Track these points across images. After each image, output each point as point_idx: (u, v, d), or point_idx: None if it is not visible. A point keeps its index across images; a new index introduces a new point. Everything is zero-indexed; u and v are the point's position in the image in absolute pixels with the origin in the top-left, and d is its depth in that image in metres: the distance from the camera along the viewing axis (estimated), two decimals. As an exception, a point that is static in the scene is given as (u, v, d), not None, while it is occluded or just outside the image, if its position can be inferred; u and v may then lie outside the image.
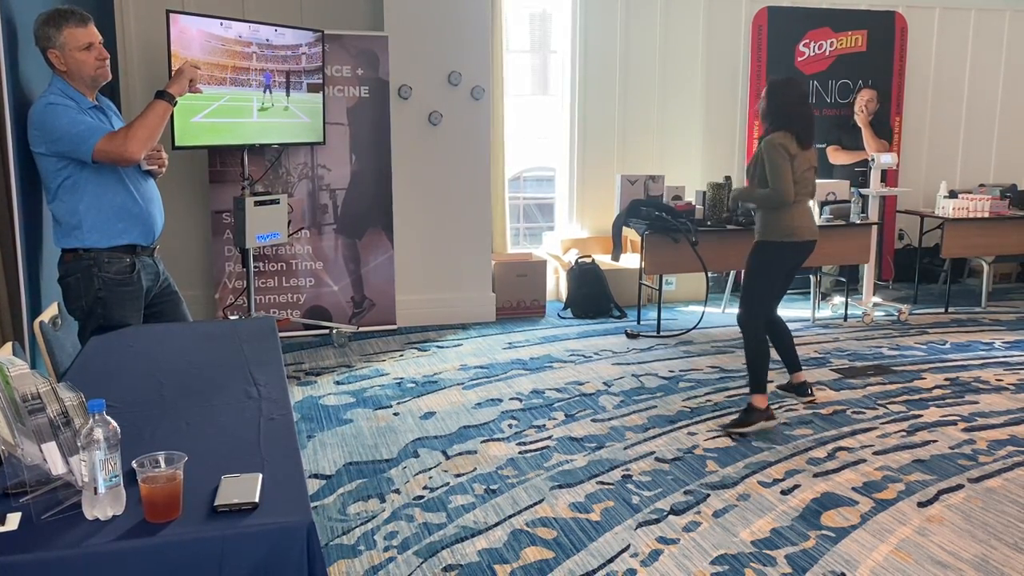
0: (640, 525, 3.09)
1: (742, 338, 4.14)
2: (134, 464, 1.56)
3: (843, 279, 6.44)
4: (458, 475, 3.51)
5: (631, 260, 6.42)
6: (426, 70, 5.73)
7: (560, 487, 3.39)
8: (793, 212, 4.00)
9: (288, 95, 5.09)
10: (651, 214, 5.60)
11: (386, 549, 2.91)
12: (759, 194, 4.04)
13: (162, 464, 1.57)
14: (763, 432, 3.95)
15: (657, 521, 3.12)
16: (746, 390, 4.56)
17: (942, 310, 6.42)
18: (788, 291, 6.84)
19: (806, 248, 4.10)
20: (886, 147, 6.38)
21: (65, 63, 2.98)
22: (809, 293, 6.32)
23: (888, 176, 6.53)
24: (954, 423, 4.11)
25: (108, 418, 1.55)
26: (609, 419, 4.15)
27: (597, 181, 6.75)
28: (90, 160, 2.94)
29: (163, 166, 3.22)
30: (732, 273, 6.50)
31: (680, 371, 4.91)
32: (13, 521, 1.54)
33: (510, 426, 4.05)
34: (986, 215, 6.25)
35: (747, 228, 5.60)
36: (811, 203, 4.26)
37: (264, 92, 4.93)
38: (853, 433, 3.97)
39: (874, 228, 6.01)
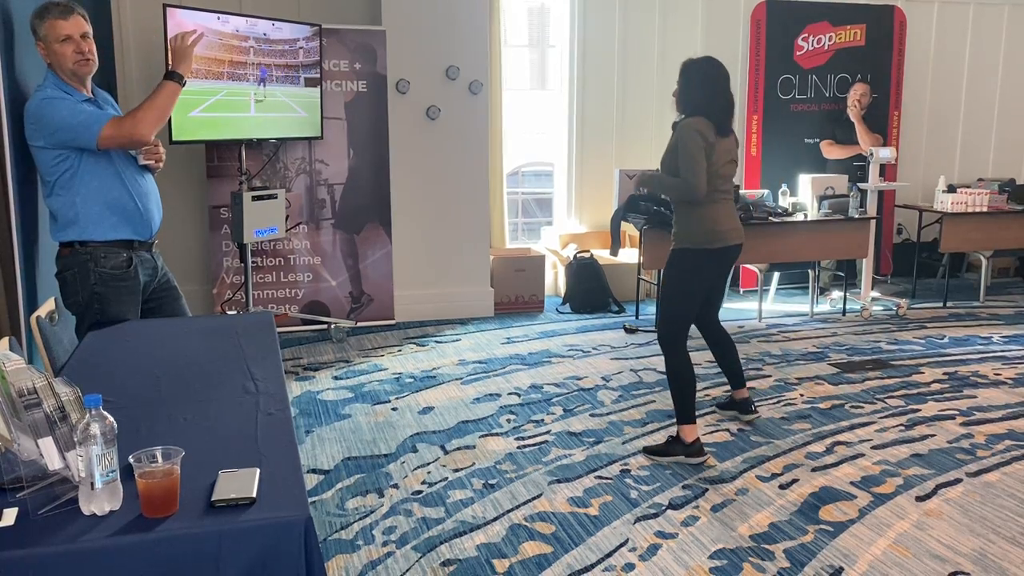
0: (638, 520, 3.09)
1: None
2: (131, 459, 1.56)
3: (841, 273, 6.43)
4: (456, 470, 3.51)
5: (629, 255, 6.41)
6: (424, 64, 5.72)
7: (558, 482, 3.39)
8: (713, 213, 3.55)
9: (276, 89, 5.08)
10: (650, 209, 5.59)
11: (384, 544, 2.91)
12: (668, 182, 3.59)
13: (159, 459, 1.56)
14: (691, 462, 3.56)
15: (655, 516, 3.12)
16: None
17: (940, 304, 6.42)
18: (786, 286, 6.85)
19: (729, 254, 3.65)
20: (880, 141, 6.39)
21: (47, 56, 2.98)
22: (807, 288, 6.32)
23: (887, 170, 6.52)
24: (952, 417, 4.11)
25: (105, 413, 1.54)
26: (607, 414, 4.15)
27: (596, 176, 6.74)
28: (95, 147, 2.93)
29: (160, 161, 3.21)
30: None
31: (678, 366, 4.91)
32: (9, 516, 1.54)
33: (508, 421, 4.05)
34: (984, 209, 6.24)
35: (745, 223, 5.59)
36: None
37: (259, 86, 4.91)
38: (851, 428, 3.97)
39: (872, 222, 6.01)
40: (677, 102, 3.62)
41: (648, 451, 3.66)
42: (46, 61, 3.00)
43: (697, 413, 4.13)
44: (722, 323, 3.97)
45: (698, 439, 3.59)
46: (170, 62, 3.19)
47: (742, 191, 5.98)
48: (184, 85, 3.14)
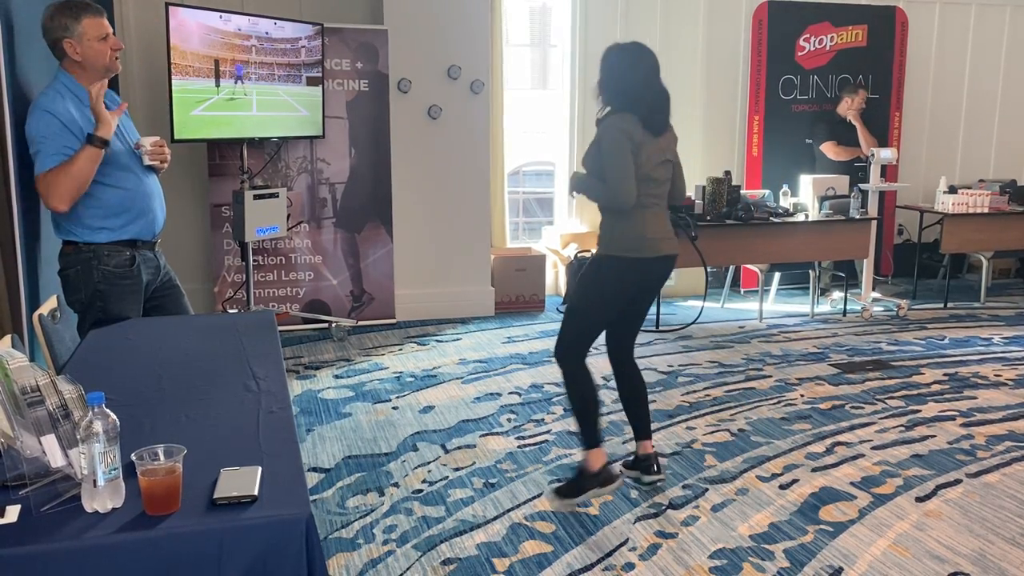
0: (639, 519, 3.09)
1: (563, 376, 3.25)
2: (133, 457, 1.56)
3: (842, 274, 6.43)
4: (457, 469, 3.52)
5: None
6: (425, 64, 5.72)
7: (559, 481, 3.39)
8: (641, 219, 3.10)
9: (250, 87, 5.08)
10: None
11: (385, 543, 2.91)
12: (595, 188, 3.12)
13: (161, 457, 1.57)
14: (600, 495, 3.18)
15: (656, 515, 3.12)
16: (744, 384, 4.55)
17: (941, 305, 6.43)
18: (787, 286, 6.83)
19: (659, 266, 3.19)
20: (876, 144, 6.39)
21: (81, 53, 2.95)
22: (808, 288, 6.32)
23: (888, 171, 6.53)
24: (952, 418, 4.11)
25: (107, 411, 1.55)
26: (608, 413, 4.14)
27: (596, 175, 6.73)
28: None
29: (165, 161, 3.21)
30: (731, 268, 6.50)
31: (679, 366, 4.91)
32: (12, 513, 1.54)
33: (509, 420, 4.06)
34: (985, 210, 6.24)
35: (746, 223, 5.61)
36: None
37: (234, 83, 4.81)
38: (851, 428, 3.97)
39: (873, 223, 6.01)
40: (599, 92, 3.14)
41: (560, 493, 3.17)
42: (73, 59, 2.95)
43: (697, 413, 4.15)
44: (638, 361, 3.52)
45: (606, 464, 3.16)
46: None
47: (743, 191, 5.97)
48: (105, 147, 2.94)
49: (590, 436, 3.17)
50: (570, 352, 3.20)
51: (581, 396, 3.18)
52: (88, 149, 2.91)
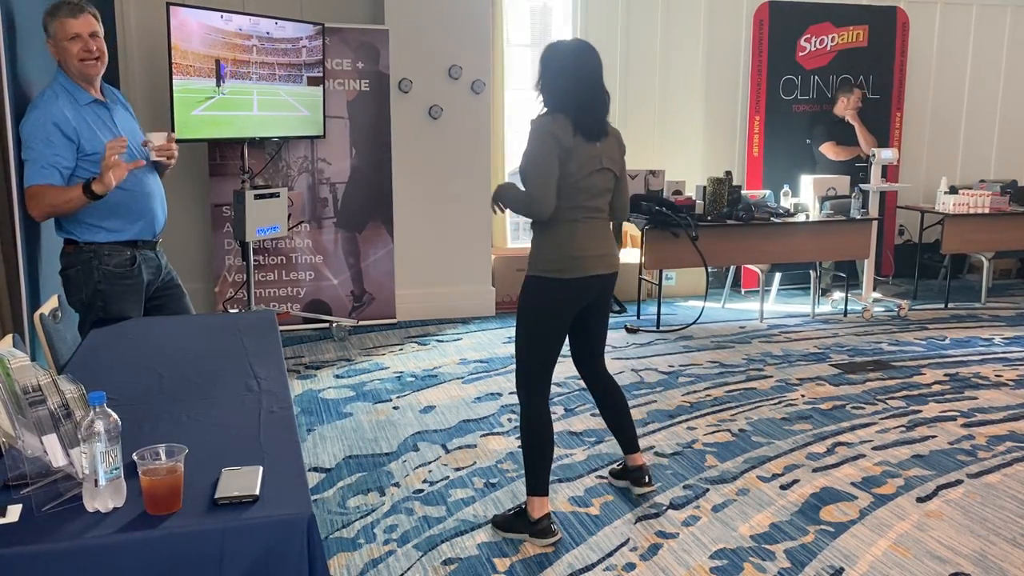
0: (639, 519, 3.09)
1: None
2: (135, 456, 1.57)
3: (843, 274, 6.43)
4: (458, 469, 3.52)
5: (631, 255, 6.41)
6: (426, 64, 5.72)
7: (559, 481, 3.39)
8: (570, 235, 2.83)
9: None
10: (651, 209, 5.60)
11: (386, 542, 2.91)
12: (514, 196, 2.88)
13: (163, 457, 1.57)
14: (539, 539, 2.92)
15: (656, 515, 3.12)
16: (745, 384, 4.55)
17: (942, 306, 6.42)
18: (788, 287, 6.82)
19: (595, 285, 2.90)
20: (875, 143, 6.40)
21: (56, 54, 2.99)
22: (809, 288, 6.32)
23: (888, 171, 6.52)
24: (953, 419, 4.11)
25: (109, 410, 1.55)
26: (608, 413, 4.15)
27: (597, 176, 6.72)
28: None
29: (172, 158, 3.20)
30: (732, 268, 6.50)
31: (680, 366, 4.91)
32: (14, 513, 1.54)
33: (509, 420, 4.06)
34: (986, 211, 6.24)
35: (747, 223, 5.61)
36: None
37: (220, 82, 4.72)
38: (852, 428, 3.97)
39: (874, 223, 6.01)
40: (538, 91, 2.89)
41: (494, 522, 3.01)
42: (56, 59, 3.00)
43: (698, 413, 4.15)
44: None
45: (547, 515, 2.91)
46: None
47: (744, 191, 5.97)
48: (95, 199, 2.90)
49: (536, 480, 2.92)
50: (524, 384, 2.94)
51: (533, 434, 2.91)
52: (80, 195, 2.90)
